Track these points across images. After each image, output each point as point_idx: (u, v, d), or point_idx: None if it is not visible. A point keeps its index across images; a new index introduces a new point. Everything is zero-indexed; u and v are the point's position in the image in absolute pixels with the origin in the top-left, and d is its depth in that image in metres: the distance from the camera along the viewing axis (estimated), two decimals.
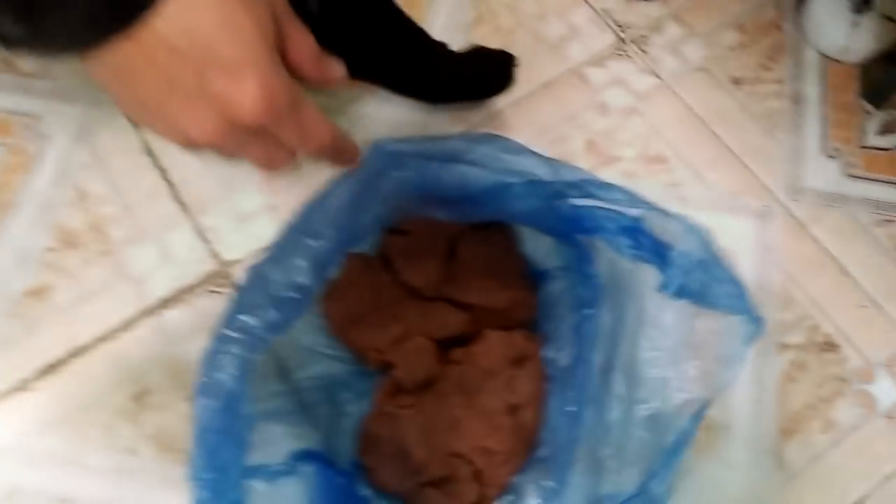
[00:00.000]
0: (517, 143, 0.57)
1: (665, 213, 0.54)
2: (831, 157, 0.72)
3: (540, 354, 0.59)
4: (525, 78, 0.74)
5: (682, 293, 0.54)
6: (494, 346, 0.58)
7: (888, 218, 0.70)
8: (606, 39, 0.78)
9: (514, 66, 0.73)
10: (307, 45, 0.40)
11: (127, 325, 0.61)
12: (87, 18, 0.31)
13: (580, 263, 0.56)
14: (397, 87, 0.71)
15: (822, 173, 0.72)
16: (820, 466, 0.61)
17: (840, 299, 0.67)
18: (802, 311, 0.66)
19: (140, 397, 0.59)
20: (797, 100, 0.75)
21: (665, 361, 0.54)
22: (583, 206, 0.55)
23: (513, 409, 0.57)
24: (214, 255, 0.64)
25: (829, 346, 0.65)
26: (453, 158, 0.56)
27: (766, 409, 0.62)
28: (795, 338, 0.65)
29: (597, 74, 0.76)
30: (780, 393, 0.63)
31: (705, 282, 0.54)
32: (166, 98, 0.36)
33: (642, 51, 0.78)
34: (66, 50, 0.34)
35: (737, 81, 0.76)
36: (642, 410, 0.54)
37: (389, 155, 0.55)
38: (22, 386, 0.58)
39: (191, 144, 0.40)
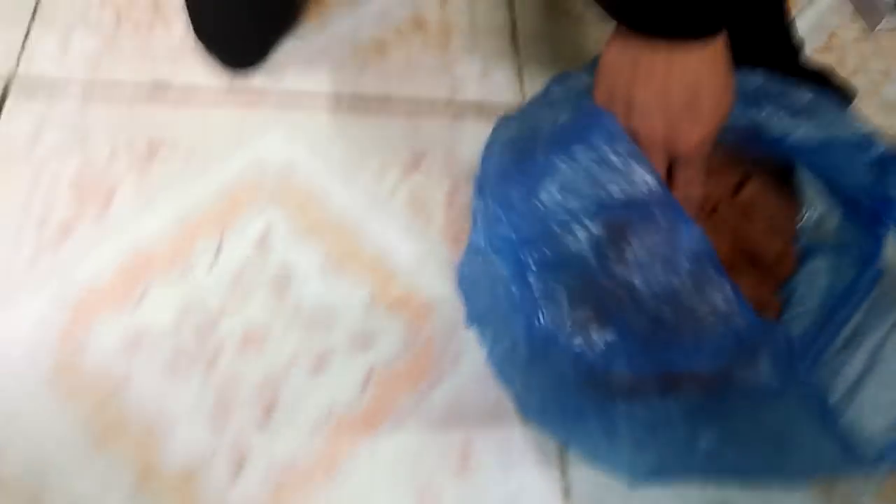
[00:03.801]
0: (853, 114, 0.59)
1: None
2: None
3: (780, 310, 0.59)
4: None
5: None
6: (742, 281, 0.59)
7: None
8: None
9: (850, 104, 0.75)
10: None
11: (432, 106, 0.68)
12: (679, 16, 0.43)
13: (865, 248, 0.57)
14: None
15: None
16: None
17: None
18: None
19: (417, 160, 0.64)
20: None
21: None
22: None
23: None
24: (522, 93, 0.70)
25: None
26: (796, 111, 0.59)
27: None
28: None
29: None
30: None
31: None
32: (651, 99, 0.46)
33: None
34: (637, 24, 0.45)
35: None
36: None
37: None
38: (335, 98, 0.66)
39: (632, 130, 0.49)
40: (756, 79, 0.60)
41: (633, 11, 0.45)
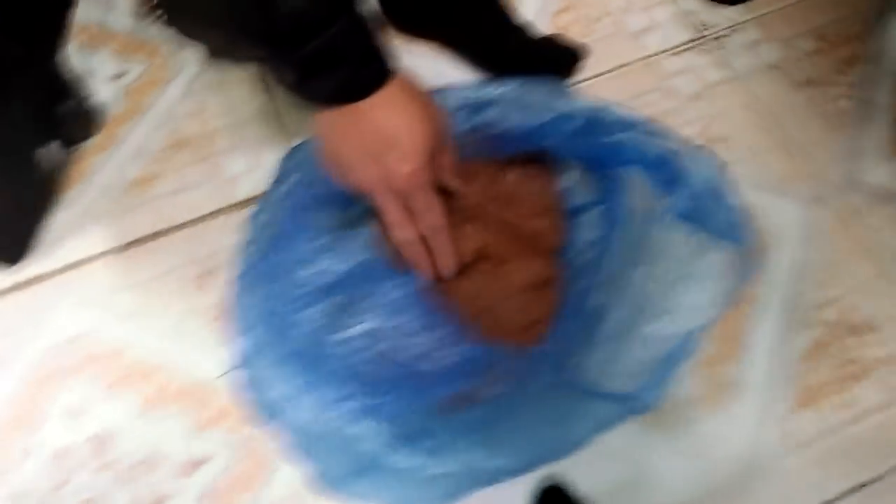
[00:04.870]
0: (563, 88, 0.63)
1: (683, 146, 0.58)
2: (893, 158, 0.73)
3: (561, 279, 0.62)
4: (599, 60, 0.80)
5: (687, 216, 0.57)
6: (521, 267, 0.62)
7: None
8: (685, 35, 0.83)
9: (578, 61, 0.79)
10: (448, 161, 0.55)
11: (212, 217, 0.71)
12: (338, 88, 0.48)
13: (609, 194, 0.61)
14: (466, 52, 0.79)
15: (882, 171, 0.73)
16: (830, 442, 0.61)
17: (882, 288, 0.67)
18: (838, 294, 0.66)
19: (205, 275, 0.67)
20: (867, 103, 0.76)
21: (671, 287, 0.57)
22: (620, 141, 0.60)
23: (529, 325, 0.61)
24: None
25: (863, 329, 0.65)
26: (507, 103, 0.63)
27: (783, 375, 0.63)
28: (827, 316, 0.65)
29: (671, 62, 0.80)
30: (801, 364, 0.63)
31: (710, 208, 0.57)
32: (355, 153, 0.51)
33: (719, 47, 0.81)
34: (315, 101, 0.50)
35: (809, 82, 0.78)
36: (641, 329, 0.56)
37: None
38: (113, 252, 0.69)
39: (354, 186, 0.53)
40: (472, 89, 0.64)
41: (306, 91, 0.50)
